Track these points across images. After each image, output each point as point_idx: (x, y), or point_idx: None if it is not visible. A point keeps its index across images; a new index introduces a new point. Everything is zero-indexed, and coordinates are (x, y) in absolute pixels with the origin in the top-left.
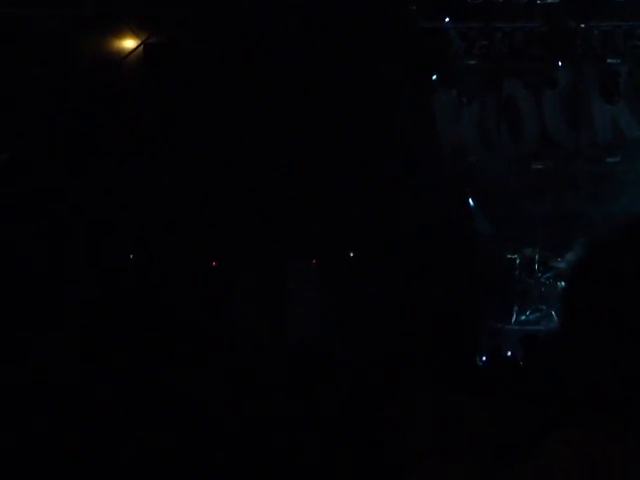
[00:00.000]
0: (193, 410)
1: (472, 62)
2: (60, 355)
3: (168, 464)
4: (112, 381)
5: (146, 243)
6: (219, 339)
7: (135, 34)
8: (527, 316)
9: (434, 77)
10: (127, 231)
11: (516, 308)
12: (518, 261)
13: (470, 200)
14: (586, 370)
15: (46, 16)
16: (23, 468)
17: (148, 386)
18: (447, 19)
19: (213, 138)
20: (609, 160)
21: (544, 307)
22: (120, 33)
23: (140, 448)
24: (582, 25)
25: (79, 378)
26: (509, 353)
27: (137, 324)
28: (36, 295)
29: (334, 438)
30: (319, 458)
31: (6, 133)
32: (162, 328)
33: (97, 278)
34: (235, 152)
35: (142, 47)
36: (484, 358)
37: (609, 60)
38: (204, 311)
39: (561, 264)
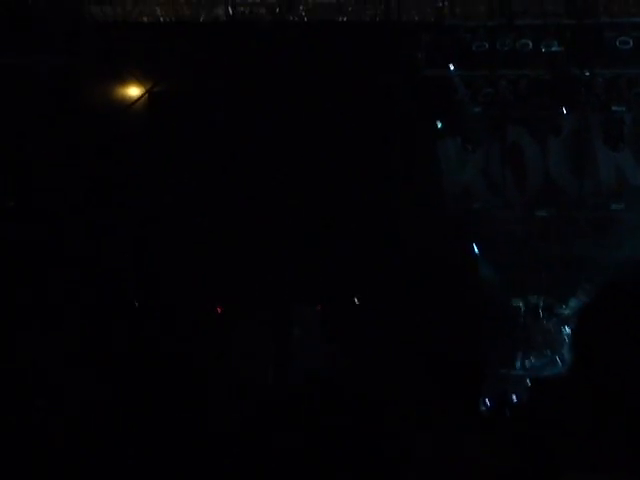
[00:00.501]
0: (200, 451)
1: (477, 109)
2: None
3: None
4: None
5: (150, 289)
6: (223, 384)
7: (140, 82)
8: (532, 362)
9: (439, 124)
10: (130, 277)
11: (520, 354)
12: (522, 307)
13: (474, 246)
14: (592, 413)
15: (50, 64)
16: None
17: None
18: (452, 66)
19: (219, 184)
20: (613, 207)
21: (549, 353)
22: (125, 81)
23: None
24: (586, 73)
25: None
26: (514, 398)
27: (142, 367)
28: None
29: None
30: None
31: (12, 180)
32: (167, 372)
33: (101, 327)
34: (241, 197)
35: (147, 95)
36: (489, 403)
37: (613, 107)
38: (208, 357)
39: (565, 310)
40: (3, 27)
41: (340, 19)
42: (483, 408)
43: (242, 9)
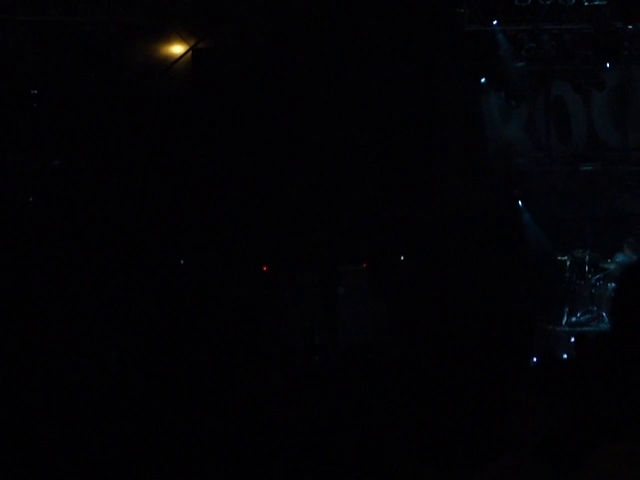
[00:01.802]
0: (251, 409)
1: (520, 64)
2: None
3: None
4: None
5: (198, 248)
6: (272, 341)
7: (184, 39)
8: (578, 317)
9: (483, 79)
10: (177, 236)
11: (567, 310)
12: (568, 263)
13: (519, 202)
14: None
15: (95, 22)
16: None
17: (208, 382)
18: (495, 21)
19: (262, 144)
20: None
21: (595, 308)
22: (169, 39)
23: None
24: (629, 26)
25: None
26: (562, 355)
27: (191, 327)
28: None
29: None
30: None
31: (57, 138)
32: (216, 330)
33: (152, 287)
34: (286, 155)
35: (191, 53)
36: (535, 359)
37: None
38: (256, 314)
39: (611, 265)
40: None
41: None
42: (531, 363)
43: None
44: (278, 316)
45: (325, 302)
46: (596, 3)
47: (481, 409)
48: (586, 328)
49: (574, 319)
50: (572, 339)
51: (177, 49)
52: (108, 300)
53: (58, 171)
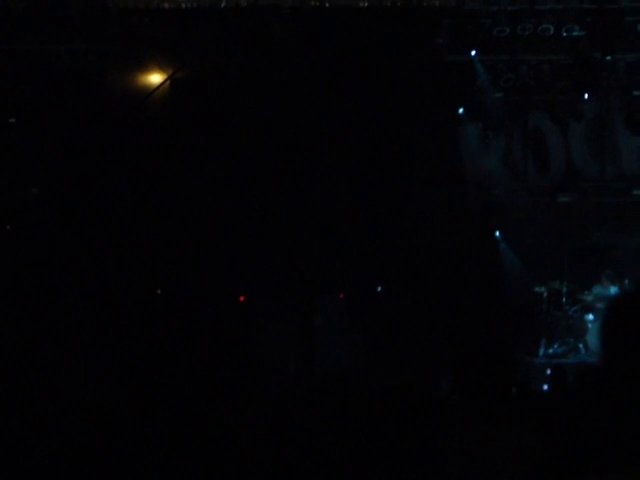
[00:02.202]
0: (223, 443)
1: (498, 95)
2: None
3: None
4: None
5: (174, 278)
6: (247, 371)
7: (162, 69)
8: (555, 349)
9: (461, 110)
10: (155, 266)
11: (543, 341)
12: (545, 294)
13: (496, 232)
14: (618, 407)
15: (75, 51)
16: None
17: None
18: (473, 52)
19: (240, 173)
20: (635, 192)
21: (572, 340)
22: (147, 68)
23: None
24: (608, 57)
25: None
26: (537, 386)
27: (163, 355)
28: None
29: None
30: None
31: (34, 166)
32: (189, 360)
33: (127, 314)
34: (263, 185)
35: (169, 82)
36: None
37: (635, 92)
38: (232, 345)
39: (588, 297)
40: (26, 15)
41: (361, 5)
42: (509, 396)
43: None
44: (254, 346)
45: (301, 332)
46: (574, 34)
47: (456, 443)
48: (563, 360)
49: (551, 351)
50: (548, 371)
51: (155, 78)
52: (82, 329)
53: (37, 199)
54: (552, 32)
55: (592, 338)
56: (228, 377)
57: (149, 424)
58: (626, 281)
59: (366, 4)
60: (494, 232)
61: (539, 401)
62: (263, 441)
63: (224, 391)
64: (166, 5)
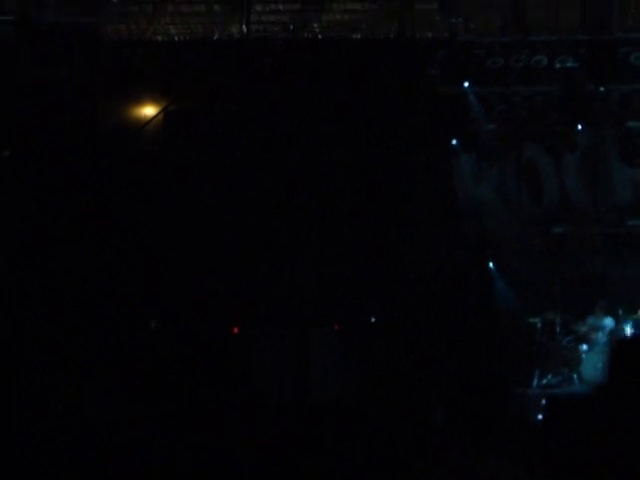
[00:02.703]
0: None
1: (492, 126)
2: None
3: None
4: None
5: (169, 310)
6: (242, 405)
7: (156, 101)
8: (549, 380)
9: (454, 141)
10: (149, 298)
11: (537, 372)
12: (539, 325)
13: (490, 263)
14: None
15: (68, 82)
16: None
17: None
18: (467, 83)
19: (233, 203)
20: (630, 223)
21: (566, 371)
22: (141, 100)
23: None
24: (601, 89)
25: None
26: (531, 416)
27: (160, 385)
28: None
29: None
30: None
31: (28, 192)
32: (185, 392)
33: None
34: (257, 216)
35: (163, 114)
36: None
37: (629, 123)
38: (226, 376)
39: (582, 327)
40: (20, 45)
41: (354, 37)
42: (502, 427)
43: (256, 27)
44: (250, 377)
45: (297, 363)
46: (568, 65)
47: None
48: (557, 390)
49: (545, 381)
50: (543, 401)
51: (149, 110)
52: (78, 357)
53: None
54: (545, 63)
55: (586, 369)
56: (221, 409)
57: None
58: (620, 312)
59: (359, 36)
60: (488, 263)
61: (532, 432)
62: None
63: (225, 416)
64: (159, 37)
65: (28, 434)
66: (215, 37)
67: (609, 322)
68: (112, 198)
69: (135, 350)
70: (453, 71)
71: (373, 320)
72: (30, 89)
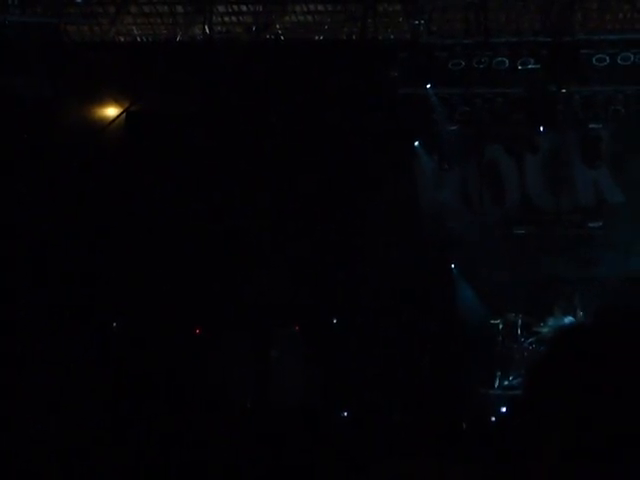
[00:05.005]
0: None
1: (453, 128)
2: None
3: None
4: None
5: (131, 311)
6: (203, 405)
7: (117, 102)
8: (510, 381)
9: (416, 143)
10: (110, 299)
11: (499, 373)
12: (501, 326)
13: (452, 265)
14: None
15: (30, 83)
16: None
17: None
18: (428, 85)
19: (194, 206)
20: (591, 225)
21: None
22: (103, 101)
23: None
24: (563, 90)
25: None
26: (492, 418)
27: (120, 389)
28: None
29: None
30: None
31: None
32: (147, 392)
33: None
34: (218, 218)
35: (124, 115)
36: (468, 423)
37: (590, 125)
38: (189, 377)
39: (544, 329)
40: None
41: (316, 38)
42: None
43: (219, 28)
44: (212, 377)
45: (258, 364)
46: (530, 67)
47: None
48: (518, 392)
49: (506, 382)
50: (504, 403)
51: (111, 111)
52: (39, 361)
53: None
54: (507, 65)
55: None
56: (182, 408)
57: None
58: (580, 313)
59: (321, 37)
60: (450, 264)
61: (489, 432)
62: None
63: (186, 418)
64: (122, 38)
65: None
66: (178, 38)
67: (569, 322)
68: (74, 199)
69: (97, 350)
70: (415, 73)
71: (335, 321)
72: None
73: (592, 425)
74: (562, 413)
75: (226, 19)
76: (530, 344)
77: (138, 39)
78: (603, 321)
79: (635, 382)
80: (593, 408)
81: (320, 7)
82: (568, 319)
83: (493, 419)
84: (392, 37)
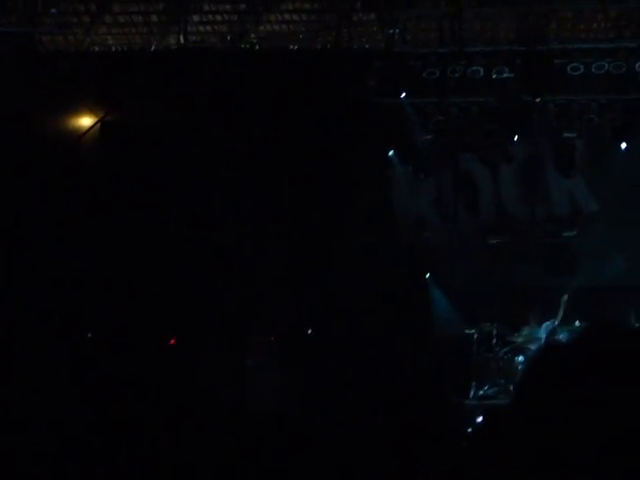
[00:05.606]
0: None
1: (428, 137)
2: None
3: None
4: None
5: (106, 320)
6: (180, 414)
7: (92, 112)
8: (485, 391)
9: (391, 152)
10: (85, 308)
11: (474, 383)
12: (476, 336)
13: (427, 275)
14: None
15: (4, 93)
16: None
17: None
18: (403, 94)
19: (169, 216)
20: (565, 234)
21: (502, 382)
22: (78, 111)
23: None
24: (537, 99)
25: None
26: (467, 427)
27: (95, 399)
28: None
29: None
30: None
31: None
32: (123, 401)
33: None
34: (192, 228)
35: (99, 125)
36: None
37: (565, 134)
38: (164, 386)
39: (518, 338)
40: None
41: (291, 47)
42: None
43: (194, 38)
44: (187, 386)
45: (234, 374)
46: (504, 76)
47: None
48: (494, 402)
49: (481, 392)
50: (480, 413)
51: (86, 121)
52: (13, 372)
53: None
54: (482, 74)
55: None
56: (158, 417)
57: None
58: (555, 322)
59: (296, 46)
60: (424, 274)
61: (464, 442)
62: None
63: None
64: (96, 48)
65: None
66: (153, 48)
67: (544, 333)
68: (50, 209)
69: (71, 360)
70: (390, 82)
71: (310, 331)
72: None
73: (572, 437)
74: (543, 426)
75: (201, 28)
76: (505, 354)
77: (113, 49)
78: (584, 337)
79: (613, 396)
80: (573, 421)
81: (295, 16)
82: (544, 329)
83: (469, 429)
84: (367, 46)
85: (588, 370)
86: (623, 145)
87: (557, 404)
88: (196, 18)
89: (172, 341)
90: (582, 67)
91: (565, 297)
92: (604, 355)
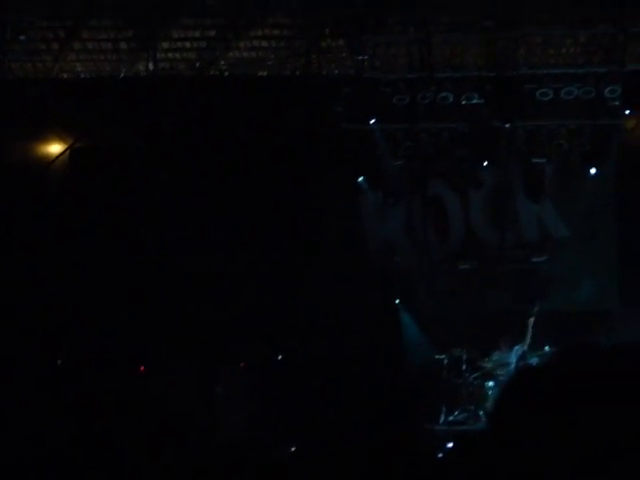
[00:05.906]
0: None
1: (398, 163)
2: None
3: None
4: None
5: (75, 348)
6: (146, 443)
7: (61, 139)
8: (455, 416)
9: (360, 178)
10: (54, 336)
11: (444, 408)
12: (446, 361)
13: (397, 300)
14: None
15: None
16: None
17: None
18: (372, 120)
19: (140, 242)
20: (535, 260)
21: (472, 407)
22: (46, 138)
23: None
24: (507, 125)
25: None
26: (437, 452)
27: (63, 427)
28: None
29: None
30: None
31: None
32: (91, 429)
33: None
34: (164, 254)
35: (68, 152)
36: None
37: (534, 159)
38: (133, 414)
39: (488, 364)
40: None
41: (260, 74)
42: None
43: (163, 65)
44: (156, 414)
45: (203, 401)
46: (474, 102)
47: None
48: (464, 427)
49: (451, 418)
50: (450, 438)
51: (55, 148)
52: None
53: None
54: (451, 100)
55: (493, 405)
56: (127, 445)
57: None
58: (525, 347)
59: (265, 73)
60: (394, 299)
61: (434, 468)
62: None
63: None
64: (65, 75)
65: None
66: (122, 74)
67: (514, 358)
68: (17, 236)
69: (41, 387)
70: (359, 108)
71: (280, 358)
72: None
73: (546, 460)
74: (517, 450)
75: (170, 55)
76: (475, 379)
77: (82, 76)
78: (556, 359)
79: (586, 417)
80: (546, 444)
81: (264, 43)
82: (514, 353)
83: (439, 455)
84: (336, 72)
85: (561, 392)
86: (592, 170)
87: (530, 428)
88: (165, 45)
89: (141, 368)
90: (551, 92)
91: (531, 320)
92: (577, 377)
